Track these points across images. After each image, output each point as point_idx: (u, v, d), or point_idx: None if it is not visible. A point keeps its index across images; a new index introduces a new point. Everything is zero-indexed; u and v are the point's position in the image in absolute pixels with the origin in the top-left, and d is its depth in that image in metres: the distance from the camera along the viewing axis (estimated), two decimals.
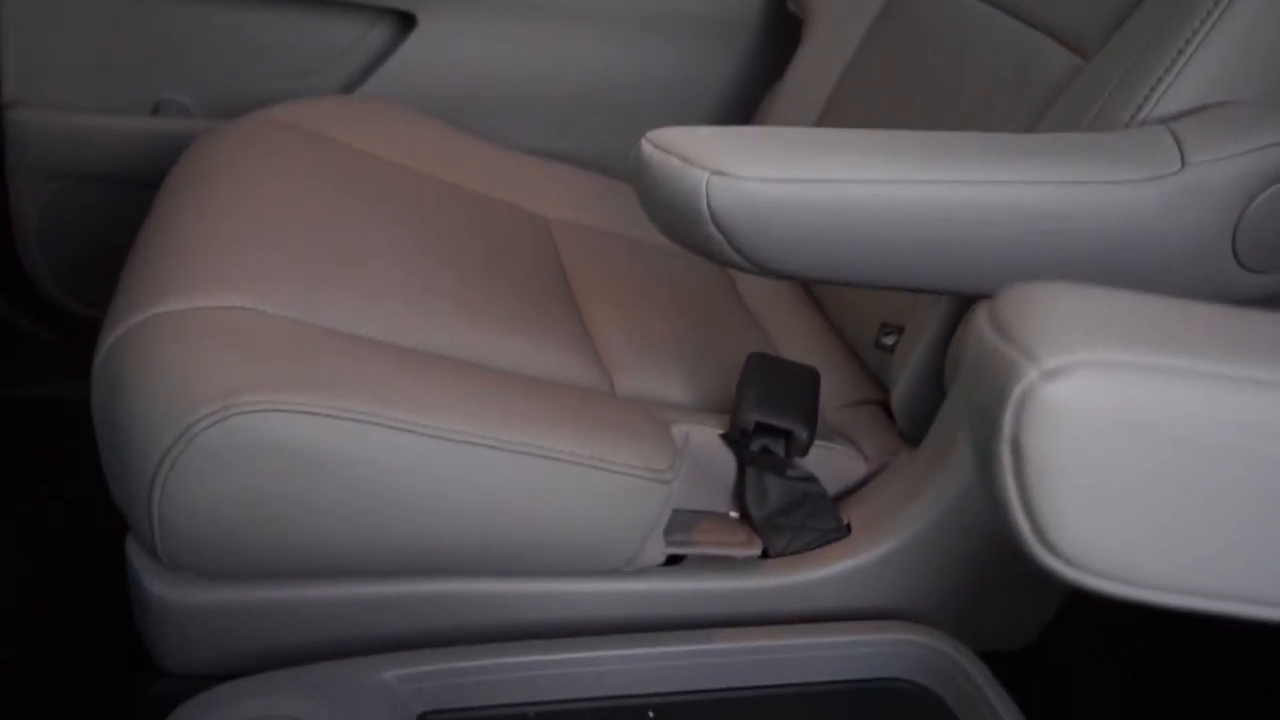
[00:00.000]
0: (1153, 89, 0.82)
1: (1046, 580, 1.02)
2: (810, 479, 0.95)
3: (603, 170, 1.42)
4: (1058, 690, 0.92)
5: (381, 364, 0.82)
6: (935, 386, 0.99)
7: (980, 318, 0.44)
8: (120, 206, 1.30)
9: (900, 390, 1.01)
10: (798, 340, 1.16)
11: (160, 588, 0.82)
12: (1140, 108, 0.83)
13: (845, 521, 0.95)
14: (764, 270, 0.74)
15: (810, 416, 0.93)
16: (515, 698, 0.84)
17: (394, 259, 0.97)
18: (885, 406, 1.09)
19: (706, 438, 0.92)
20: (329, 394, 0.75)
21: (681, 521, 0.91)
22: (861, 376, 1.13)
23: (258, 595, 0.83)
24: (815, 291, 1.28)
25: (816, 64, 1.33)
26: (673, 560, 0.91)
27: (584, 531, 0.83)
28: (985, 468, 0.42)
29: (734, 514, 0.95)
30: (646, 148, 0.75)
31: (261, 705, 0.76)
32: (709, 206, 0.70)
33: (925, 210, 0.73)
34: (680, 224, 0.73)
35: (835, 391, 1.07)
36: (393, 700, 0.79)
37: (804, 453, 0.92)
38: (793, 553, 0.94)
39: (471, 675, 0.83)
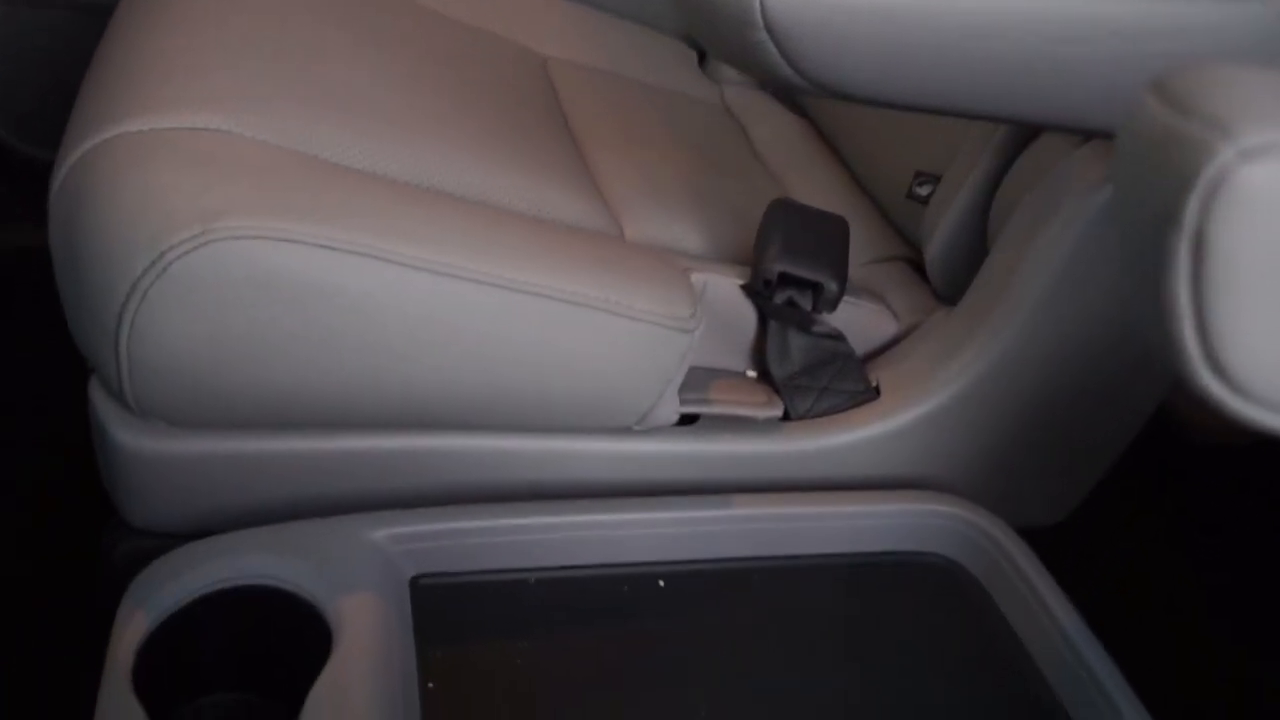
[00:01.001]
0: None
1: (1088, 452, 1.00)
2: (837, 336, 0.91)
3: (601, 6, 1.36)
4: (1091, 568, 0.90)
5: (375, 194, 0.77)
6: (975, 240, 0.95)
7: (1147, 98, 0.38)
8: (72, 36, 1.23)
9: (936, 244, 0.96)
10: (818, 193, 1.11)
11: (128, 437, 0.78)
12: None
13: (874, 383, 0.92)
14: (816, 86, 0.68)
15: (840, 268, 0.88)
16: (515, 562, 0.81)
17: (382, 87, 0.91)
18: (914, 264, 1.04)
19: (726, 288, 0.88)
20: (318, 221, 0.70)
21: (697, 379, 0.87)
22: (889, 232, 1.08)
23: (235, 447, 0.78)
24: (837, 143, 1.22)
25: None
26: (686, 421, 0.87)
27: (595, 384, 0.79)
28: (1154, 270, 0.37)
29: (752, 373, 0.92)
30: None
31: (237, 564, 0.73)
32: (761, 5, 0.65)
33: (1014, 20, 0.67)
34: (725, 27, 0.67)
35: (860, 247, 1.02)
36: (383, 562, 0.76)
37: (833, 307, 0.88)
38: (816, 416, 0.90)
39: (469, 537, 0.79)
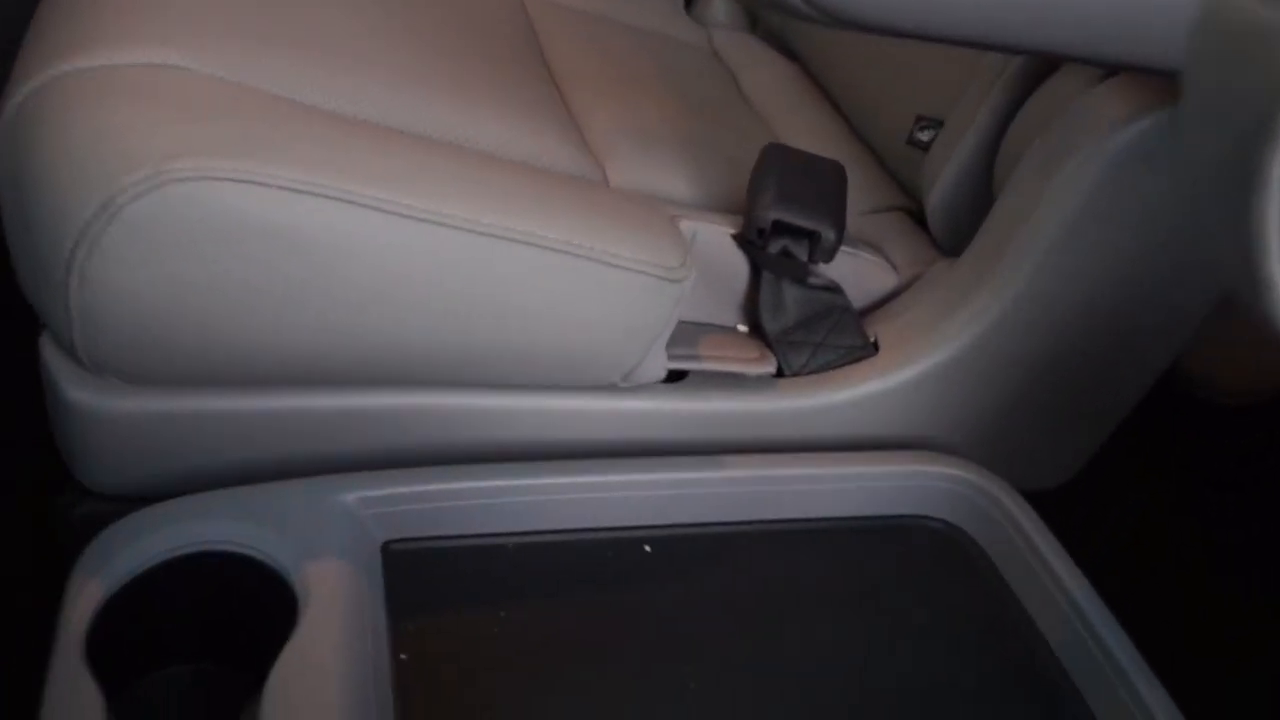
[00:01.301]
0: None
1: (1096, 412, 0.97)
2: (834, 289, 0.87)
3: None
4: (1096, 531, 0.87)
5: (343, 135, 0.72)
6: (980, 187, 0.91)
7: None
8: None
9: (938, 192, 0.92)
10: (811, 140, 1.07)
11: (80, 395, 0.73)
12: None
13: (872, 339, 0.88)
14: (823, 12, 0.64)
15: (838, 216, 0.84)
16: (493, 527, 0.78)
17: (351, 26, 0.87)
18: (913, 214, 1.01)
19: (716, 237, 0.84)
20: (281, 163, 0.66)
21: (685, 334, 0.83)
22: (886, 180, 1.04)
23: (195, 405, 0.74)
24: (832, 88, 1.18)
25: None
26: (674, 378, 0.84)
27: (578, 338, 0.75)
28: (1235, 189, 0.32)
29: (743, 328, 0.88)
30: None
31: (198, 529, 0.69)
32: None
33: None
34: None
35: (857, 196, 0.97)
36: (353, 526, 0.72)
37: (830, 258, 0.84)
38: (811, 372, 0.86)
39: (444, 500, 0.76)
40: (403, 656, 0.69)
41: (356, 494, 0.73)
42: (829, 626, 0.76)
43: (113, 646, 0.65)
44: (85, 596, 0.66)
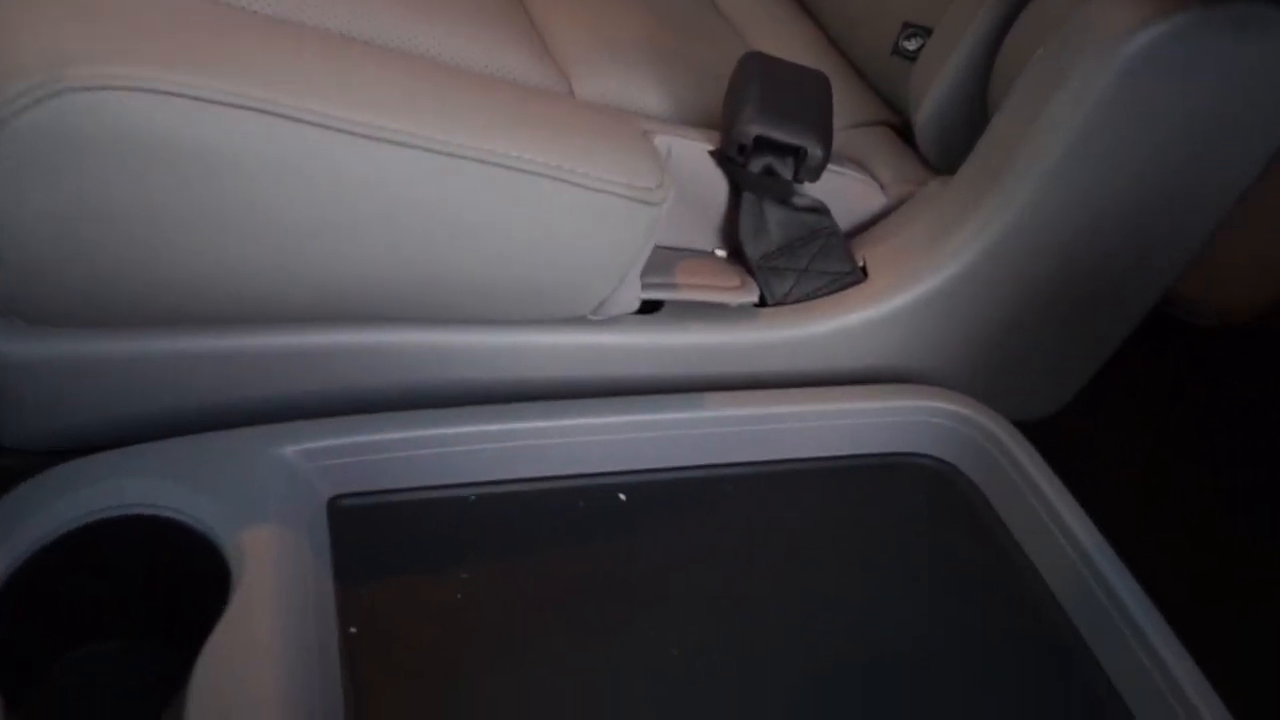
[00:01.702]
0: None
1: (1092, 339, 0.88)
2: (820, 210, 0.78)
3: None
4: (1084, 460, 0.80)
5: (272, 39, 0.62)
6: (973, 101, 0.82)
7: None
8: None
9: (927, 106, 0.83)
10: (789, 51, 0.97)
11: None
12: None
13: (860, 264, 0.79)
14: None
15: (824, 130, 0.75)
16: (452, 477, 0.69)
17: None
18: (898, 130, 0.92)
19: (693, 155, 0.75)
20: (198, 70, 0.55)
21: (660, 261, 0.74)
22: (868, 94, 0.95)
23: (109, 348, 0.64)
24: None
25: None
26: (648, 309, 0.74)
27: (545, 266, 0.65)
28: None
29: (722, 253, 0.79)
30: None
31: (118, 489, 0.60)
32: None
33: None
34: None
35: (837, 110, 0.88)
36: (294, 482, 0.63)
37: (816, 176, 0.75)
38: (795, 301, 0.78)
39: (397, 450, 0.67)
40: (352, 629, 0.60)
41: (298, 445, 0.64)
42: (819, 577, 0.68)
43: (24, 622, 0.56)
44: None
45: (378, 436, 0.66)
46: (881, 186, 0.83)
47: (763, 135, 0.73)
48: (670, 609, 0.64)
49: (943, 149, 0.83)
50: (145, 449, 0.62)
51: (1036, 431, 0.78)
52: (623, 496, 0.71)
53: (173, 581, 0.61)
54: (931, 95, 0.82)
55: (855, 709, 0.62)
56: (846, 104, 0.91)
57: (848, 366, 0.79)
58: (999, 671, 0.66)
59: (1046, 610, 0.69)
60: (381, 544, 0.65)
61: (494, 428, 0.68)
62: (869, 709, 0.62)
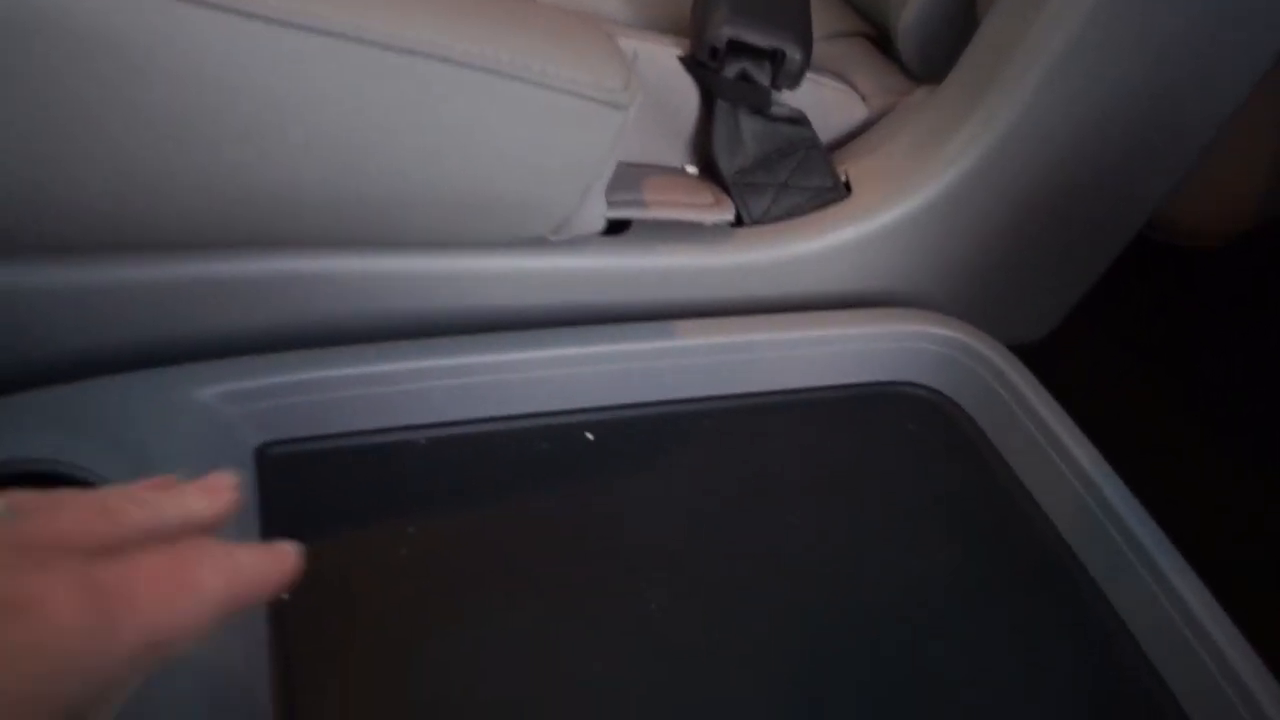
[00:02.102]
0: None
1: (1084, 258, 0.80)
2: (799, 120, 0.69)
3: None
4: (1071, 382, 0.73)
5: None
6: (959, 6, 0.74)
7: None
8: None
9: (912, 11, 0.75)
10: None
11: None
12: None
13: (843, 179, 0.71)
14: None
15: (803, 31, 0.67)
16: (399, 419, 0.60)
17: None
18: (877, 43, 0.83)
19: (662, 59, 0.66)
20: None
21: (627, 177, 0.65)
22: (843, 4, 0.86)
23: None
24: None
25: None
26: (615, 230, 0.66)
27: (501, 178, 0.56)
28: None
29: (693, 169, 0.70)
30: None
31: (8, 440, 0.50)
32: None
33: None
34: None
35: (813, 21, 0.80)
36: (216, 428, 0.55)
37: (796, 83, 0.67)
38: (774, 219, 0.69)
39: (335, 389, 0.58)
40: (283, 595, 0.51)
41: (220, 387, 0.55)
42: (806, 518, 0.61)
43: None
44: None
45: (313, 375, 0.57)
46: (863, 98, 0.75)
47: (737, 38, 0.64)
48: (645, 558, 0.57)
49: (926, 57, 0.75)
50: (40, 394, 0.53)
51: (1025, 357, 0.70)
52: (590, 436, 0.62)
53: None
54: (914, 0, 0.74)
55: (851, 654, 0.54)
56: (820, 15, 0.82)
57: (831, 290, 0.71)
58: (1000, 609, 0.58)
59: (1049, 543, 0.62)
60: (318, 497, 0.56)
61: (445, 362, 0.59)
62: (865, 654, 0.54)
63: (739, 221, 0.68)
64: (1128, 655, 0.57)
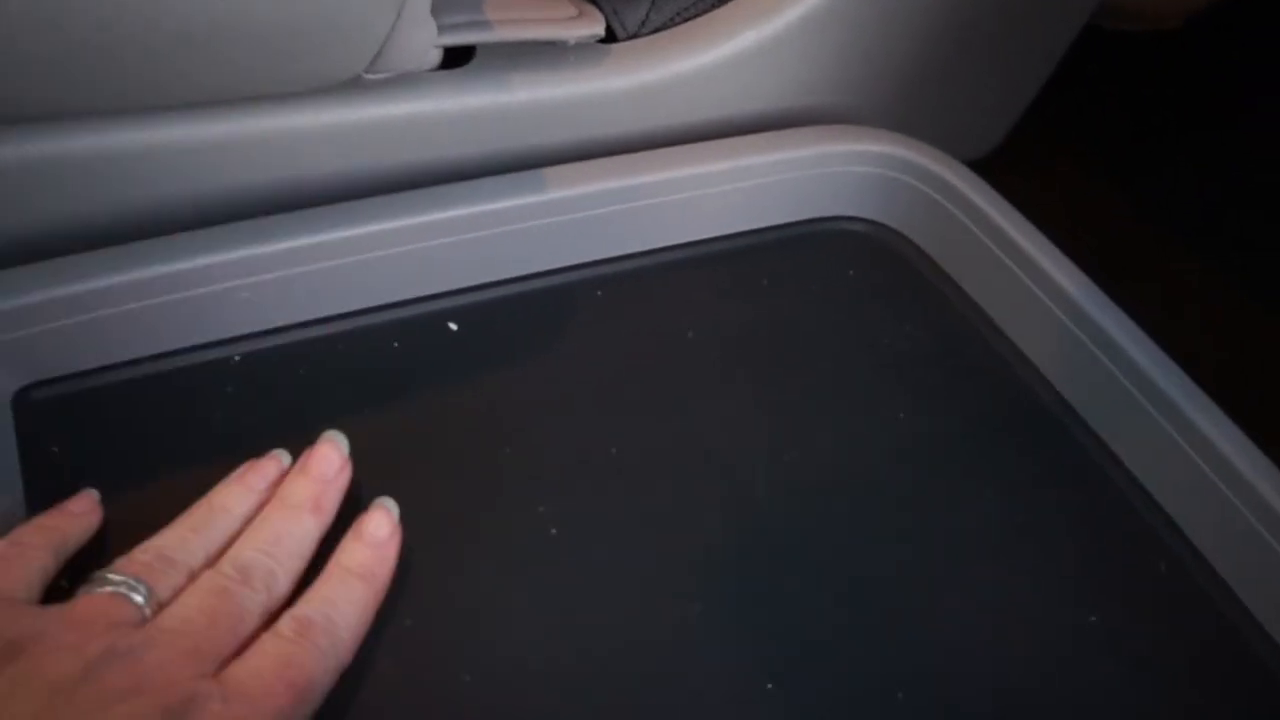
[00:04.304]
0: None
1: (1027, 57, 0.63)
2: None
3: None
4: (1033, 203, 0.59)
5: None
6: None
7: None
8: None
9: None
10: None
11: None
12: None
13: None
14: None
15: None
16: (201, 334, 0.46)
17: None
18: None
19: None
20: None
21: None
22: None
23: None
24: None
25: None
26: (454, 63, 0.51)
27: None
28: None
29: None
30: None
31: None
32: None
33: None
34: None
35: None
36: None
37: None
38: (656, 30, 0.55)
39: (111, 303, 0.43)
40: (63, 583, 0.38)
41: None
42: (739, 397, 0.48)
43: None
44: None
45: (80, 286, 0.43)
46: None
47: None
48: (538, 468, 0.44)
49: None
50: None
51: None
52: (453, 326, 0.49)
53: None
54: None
55: (815, 559, 0.42)
56: None
57: (732, 114, 0.57)
58: (987, 474, 0.46)
59: (1036, 392, 0.50)
60: (100, 449, 0.42)
61: (254, 252, 0.45)
62: (829, 546, 0.42)
63: (611, 37, 0.53)
64: (1143, 513, 0.45)
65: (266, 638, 0.34)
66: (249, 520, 0.38)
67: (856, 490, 0.44)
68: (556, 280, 0.51)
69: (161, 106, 0.45)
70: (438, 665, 0.37)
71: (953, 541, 0.43)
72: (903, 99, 0.61)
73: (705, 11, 0.55)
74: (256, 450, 0.41)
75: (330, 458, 0.40)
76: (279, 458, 0.40)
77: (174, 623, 0.33)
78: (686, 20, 0.54)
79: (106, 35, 0.37)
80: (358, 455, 0.42)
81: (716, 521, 0.42)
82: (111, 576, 0.34)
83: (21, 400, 0.43)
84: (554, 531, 0.42)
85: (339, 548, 0.38)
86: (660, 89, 0.54)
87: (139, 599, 0.33)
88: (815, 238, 0.57)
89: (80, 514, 0.38)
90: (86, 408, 0.43)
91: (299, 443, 0.41)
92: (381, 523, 0.39)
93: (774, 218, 0.56)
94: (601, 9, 0.53)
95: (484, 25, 0.49)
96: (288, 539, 0.37)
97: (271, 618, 0.35)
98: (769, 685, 0.38)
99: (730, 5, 0.55)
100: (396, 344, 0.47)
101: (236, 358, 0.46)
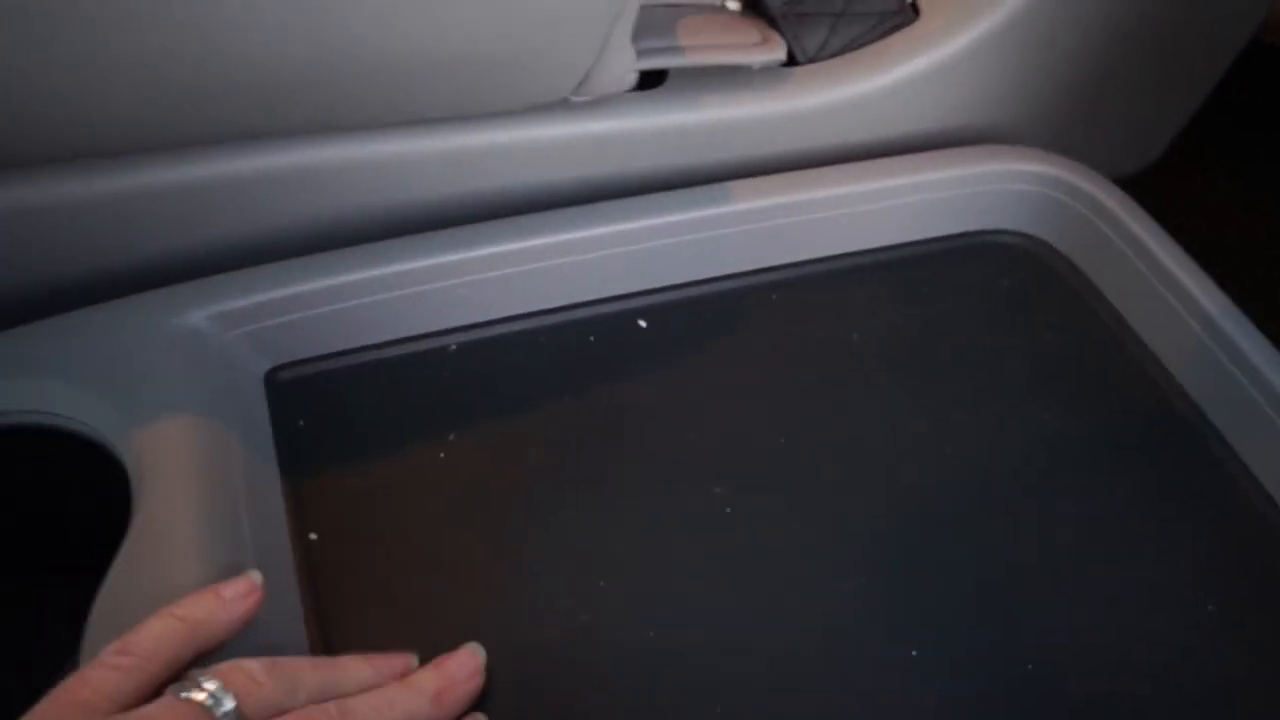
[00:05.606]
0: None
1: (1187, 75, 0.66)
2: None
3: None
4: (1185, 220, 0.60)
5: None
6: None
7: None
8: None
9: None
10: None
11: None
12: None
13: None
14: None
15: None
16: (424, 325, 0.51)
17: None
18: None
19: None
20: None
21: (657, 21, 0.54)
22: None
23: None
24: None
25: None
26: (648, 84, 0.55)
27: (504, 28, 0.45)
28: None
29: (733, 3, 0.59)
30: None
31: None
32: None
33: None
34: None
35: None
36: (215, 355, 0.45)
37: None
38: (833, 54, 0.58)
39: (346, 298, 0.48)
40: (311, 536, 0.42)
41: (213, 308, 0.46)
42: (896, 394, 0.51)
43: None
44: None
45: (320, 284, 0.48)
46: None
47: None
48: (716, 453, 0.47)
49: None
50: (3, 338, 0.43)
51: (1128, 191, 0.58)
52: (643, 324, 0.52)
53: (69, 503, 0.44)
54: None
55: (959, 542, 0.45)
56: None
57: (902, 132, 0.59)
58: (1124, 479, 0.48)
59: (1174, 404, 0.52)
60: (339, 422, 0.47)
61: (470, 255, 0.49)
62: (973, 540, 0.45)
63: (792, 61, 0.57)
64: (1266, 514, 0.47)
65: None
66: (366, 689, 0.35)
67: (1001, 483, 0.47)
68: (737, 284, 0.55)
69: (392, 123, 0.50)
70: (628, 620, 0.41)
71: (1086, 532, 0.45)
72: (1062, 118, 0.63)
73: (879, 39, 0.57)
74: (469, 422, 0.45)
75: (466, 663, 0.38)
76: (410, 658, 0.38)
77: None
78: (861, 46, 0.57)
79: (360, 63, 0.42)
80: (547, 439, 0.46)
81: (873, 507, 0.46)
82: (206, 684, 0.31)
83: (271, 379, 0.48)
84: (728, 510, 0.45)
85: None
86: (836, 110, 0.57)
87: (224, 710, 0.31)
88: (973, 250, 0.59)
89: (230, 600, 0.35)
90: (326, 386, 0.48)
91: (506, 416, 0.46)
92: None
93: (935, 230, 0.58)
94: (783, 34, 0.56)
95: (677, 50, 0.53)
96: (400, 709, 0.35)
97: None
98: (913, 652, 0.41)
99: (902, 33, 0.57)
100: (592, 338, 0.52)
101: (453, 346, 0.50)
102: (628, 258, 0.52)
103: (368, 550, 0.42)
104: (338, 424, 0.47)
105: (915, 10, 0.58)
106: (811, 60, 0.57)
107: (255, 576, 0.36)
